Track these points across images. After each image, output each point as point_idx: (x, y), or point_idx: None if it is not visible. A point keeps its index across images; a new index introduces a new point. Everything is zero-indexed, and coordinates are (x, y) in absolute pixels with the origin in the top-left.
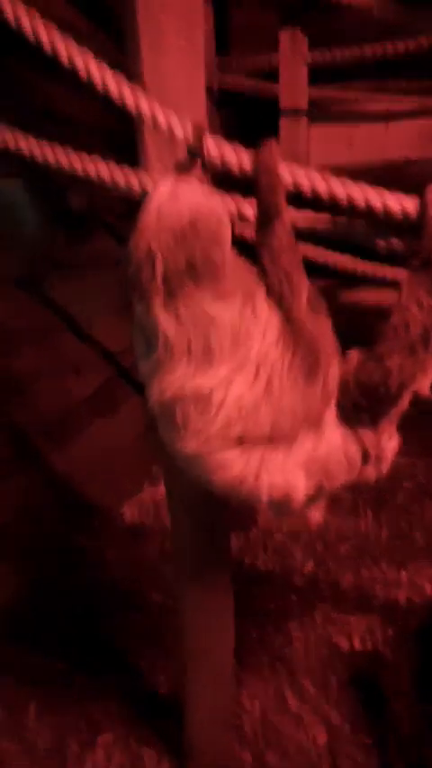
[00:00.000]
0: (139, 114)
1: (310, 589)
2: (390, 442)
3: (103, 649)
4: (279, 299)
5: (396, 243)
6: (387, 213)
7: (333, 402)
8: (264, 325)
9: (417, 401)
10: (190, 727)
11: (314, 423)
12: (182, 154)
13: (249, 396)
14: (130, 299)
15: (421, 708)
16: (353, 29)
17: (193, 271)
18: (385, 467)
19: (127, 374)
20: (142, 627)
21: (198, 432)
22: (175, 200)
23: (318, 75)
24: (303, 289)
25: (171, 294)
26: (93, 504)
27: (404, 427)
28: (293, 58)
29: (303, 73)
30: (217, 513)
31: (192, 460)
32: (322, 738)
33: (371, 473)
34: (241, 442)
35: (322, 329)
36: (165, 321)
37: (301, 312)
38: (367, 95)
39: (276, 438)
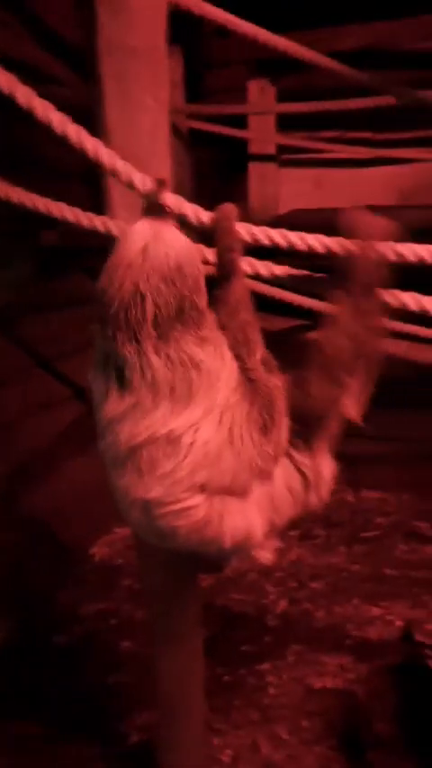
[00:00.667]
0: (101, 165)
1: (283, 629)
2: (326, 467)
3: (74, 702)
4: (236, 353)
5: None
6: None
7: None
8: (228, 371)
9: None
10: None
11: (266, 476)
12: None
13: (214, 441)
14: (102, 336)
15: (397, 751)
16: (323, 83)
17: (182, 314)
18: (325, 492)
19: None
20: (115, 679)
21: (164, 477)
22: (160, 241)
23: (289, 121)
24: (258, 346)
25: (162, 336)
26: (63, 545)
27: (375, 463)
28: (262, 107)
29: (271, 121)
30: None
31: (152, 508)
32: None
33: (313, 500)
34: (203, 489)
35: (276, 387)
36: (156, 362)
37: (257, 368)
38: (333, 146)
39: (233, 488)
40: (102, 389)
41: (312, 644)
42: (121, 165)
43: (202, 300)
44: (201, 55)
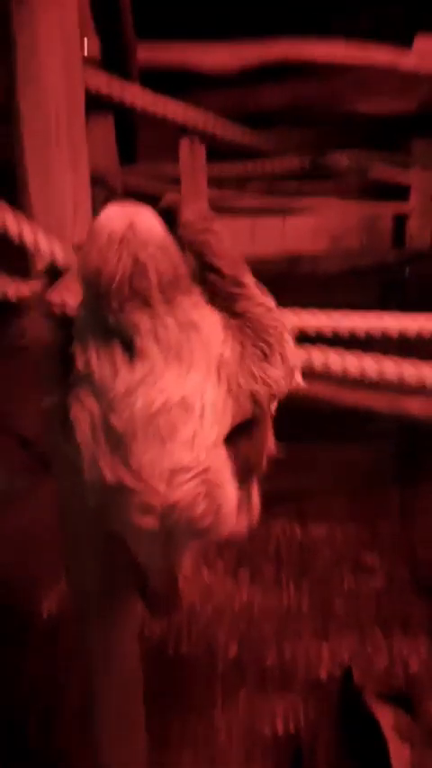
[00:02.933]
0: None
1: (233, 673)
2: (255, 494)
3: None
4: (224, 291)
5: None
6: None
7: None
8: (214, 326)
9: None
10: None
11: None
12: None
13: (219, 399)
14: (101, 315)
15: None
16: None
17: (178, 280)
18: (255, 515)
19: (43, 459)
20: (64, 739)
21: (188, 442)
22: (141, 217)
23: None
24: (246, 273)
25: (168, 301)
26: (8, 600)
27: (322, 495)
28: (193, 165)
29: (203, 178)
30: (121, 604)
31: (180, 474)
32: None
33: (243, 522)
34: (216, 446)
35: (266, 310)
36: (170, 323)
37: (245, 295)
38: (263, 198)
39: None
40: (107, 369)
41: (263, 688)
42: (42, 240)
43: (191, 266)
44: (131, 115)
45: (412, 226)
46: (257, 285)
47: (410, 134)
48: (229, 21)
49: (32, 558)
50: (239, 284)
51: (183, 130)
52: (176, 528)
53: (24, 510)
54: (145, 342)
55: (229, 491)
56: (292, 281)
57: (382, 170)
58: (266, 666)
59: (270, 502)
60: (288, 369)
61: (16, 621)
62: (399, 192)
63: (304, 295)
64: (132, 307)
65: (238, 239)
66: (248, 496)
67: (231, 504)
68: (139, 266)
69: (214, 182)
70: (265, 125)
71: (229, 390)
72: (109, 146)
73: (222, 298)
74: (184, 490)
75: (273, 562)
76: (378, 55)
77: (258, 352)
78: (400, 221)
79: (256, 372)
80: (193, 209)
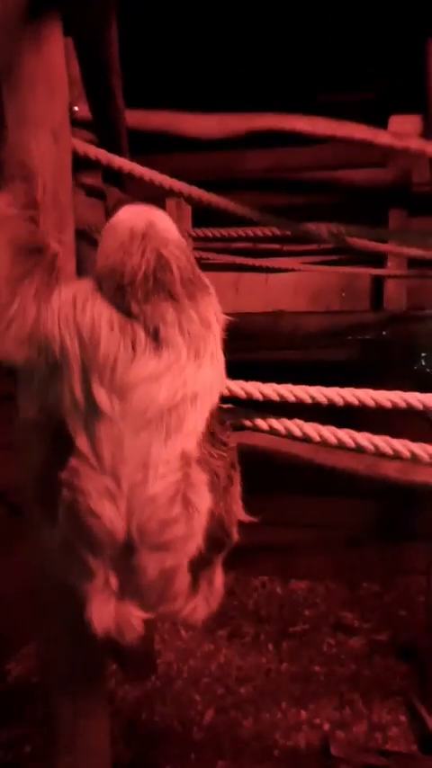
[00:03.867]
0: None
1: (209, 742)
2: (220, 575)
3: None
4: None
5: None
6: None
7: None
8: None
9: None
10: None
11: None
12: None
13: (216, 383)
14: (126, 300)
15: None
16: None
17: (193, 278)
18: (216, 601)
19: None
20: None
21: (190, 434)
22: (158, 217)
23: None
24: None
25: (190, 297)
26: None
27: (303, 550)
28: (179, 225)
29: (187, 238)
30: (94, 673)
31: (184, 466)
32: None
33: (201, 609)
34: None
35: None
36: (194, 316)
37: None
38: (246, 258)
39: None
40: (124, 352)
41: (239, 758)
42: None
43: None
44: (119, 173)
45: (389, 289)
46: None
47: (387, 204)
48: (218, 95)
49: (1, 616)
50: None
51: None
52: (144, 532)
53: None
54: (170, 332)
55: (204, 503)
56: (276, 337)
57: (360, 241)
58: (243, 734)
59: (251, 556)
60: None
61: None
62: (376, 257)
63: (287, 351)
64: (158, 298)
65: (223, 293)
66: (211, 579)
67: (201, 523)
68: (162, 260)
69: (200, 240)
70: (250, 188)
71: (217, 369)
72: (95, 201)
73: None
74: (166, 483)
75: (252, 621)
76: (356, 132)
77: None
78: (378, 281)
79: None
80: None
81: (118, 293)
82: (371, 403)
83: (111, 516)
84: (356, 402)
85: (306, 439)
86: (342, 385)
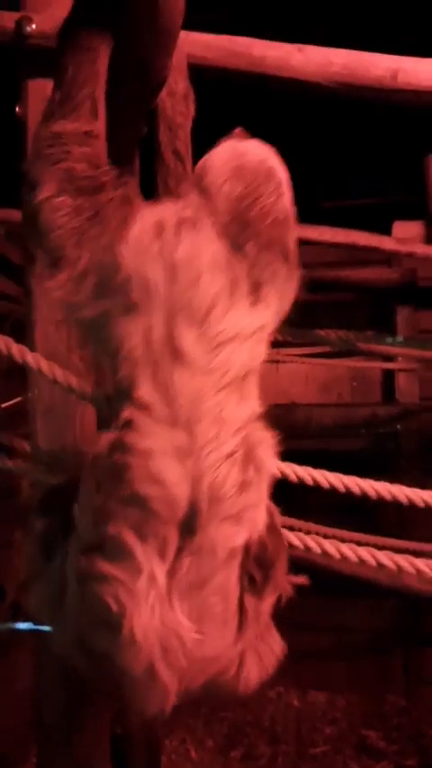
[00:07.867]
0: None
1: None
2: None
3: None
4: None
5: None
6: None
7: None
8: None
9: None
10: None
11: None
12: None
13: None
14: (244, 238)
15: None
16: None
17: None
18: (272, 656)
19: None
20: None
21: (257, 399)
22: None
23: None
24: None
25: (294, 268)
26: None
27: (320, 657)
28: None
29: None
30: None
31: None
32: None
33: (253, 676)
34: None
35: None
36: (287, 290)
37: None
38: None
39: None
40: (225, 297)
41: None
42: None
43: None
44: None
45: (401, 381)
46: None
47: (393, 300)
48: None
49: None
50: None
51: None
52: (216, 499)
53: None
54: (271, 294)
55: (270, 465)
56: (289, 428)
57: (369, 346)
58: None
59: None
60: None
61: None
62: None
63: (302, 441)
64: (275, 252)
65: None
66: (258, 612)
67: (266, 491)
68: (289, 221)
69: None
70: None
71: None
72: None
73: None
74: (239, 441)
75: (267, 740)
76: (361, 239)
77: None
78: (389, 374)
79: None
80: None
81: (235, 224)
82: (388, 496)
83: (175, 480)
84: (374, 495)
85: (325, 555)
86: (356, 474)
